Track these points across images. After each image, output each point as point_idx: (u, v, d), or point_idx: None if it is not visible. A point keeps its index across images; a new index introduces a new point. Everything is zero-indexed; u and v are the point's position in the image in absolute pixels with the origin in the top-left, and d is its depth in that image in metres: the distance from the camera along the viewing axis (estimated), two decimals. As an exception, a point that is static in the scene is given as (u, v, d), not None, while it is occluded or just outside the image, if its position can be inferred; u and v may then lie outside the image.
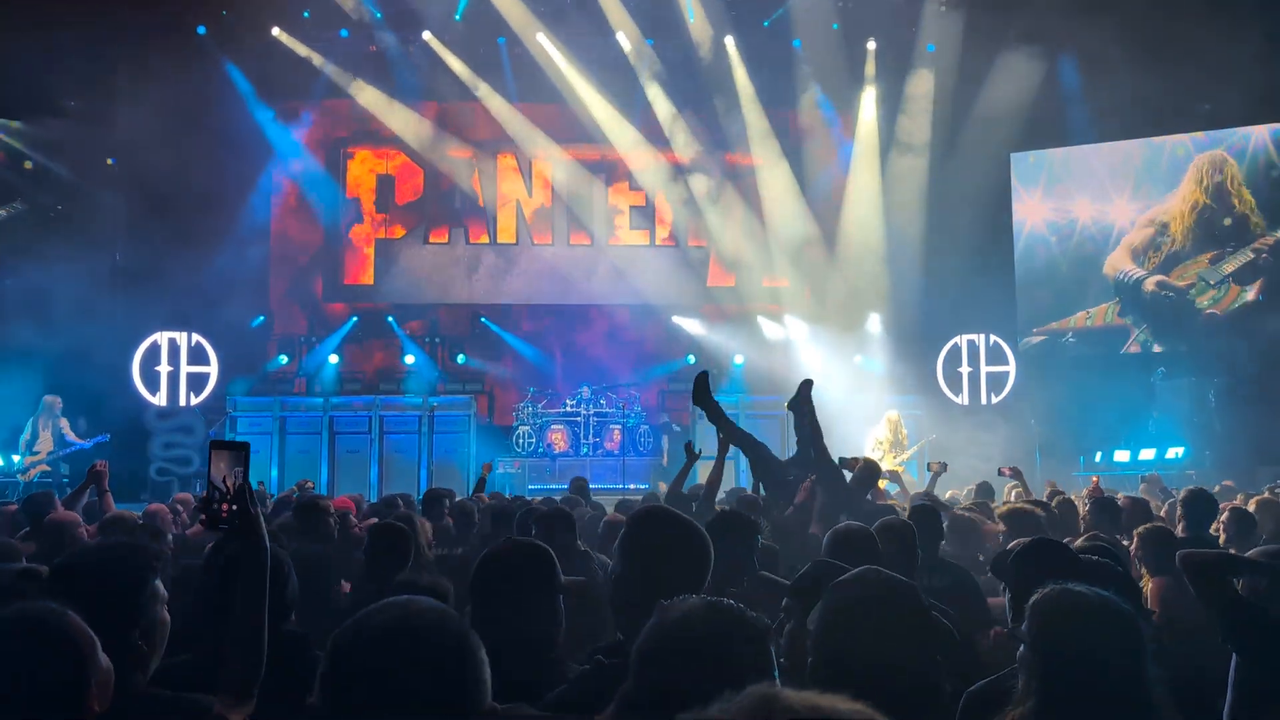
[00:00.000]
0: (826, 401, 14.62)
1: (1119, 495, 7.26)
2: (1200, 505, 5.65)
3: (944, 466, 9.06)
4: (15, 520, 6.42)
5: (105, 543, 2.97)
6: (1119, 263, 15.88)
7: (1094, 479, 8.12)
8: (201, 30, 15.41)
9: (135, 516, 5.58)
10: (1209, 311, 15.36)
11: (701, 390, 6.70)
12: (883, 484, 9.91)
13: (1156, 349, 15.60)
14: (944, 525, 5.45)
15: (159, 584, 2.41)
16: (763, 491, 6.79)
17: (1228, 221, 15.40)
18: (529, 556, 2.70)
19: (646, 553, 2.42)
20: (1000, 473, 8.94)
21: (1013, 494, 8.34)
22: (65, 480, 12.17)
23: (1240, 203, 15.33)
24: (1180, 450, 13.54)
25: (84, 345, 13.74)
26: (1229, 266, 15.33)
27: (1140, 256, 15.79)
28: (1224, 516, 5.75)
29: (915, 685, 2.11)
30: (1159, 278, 15.63)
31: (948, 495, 9.05)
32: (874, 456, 12.51)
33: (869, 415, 13.69)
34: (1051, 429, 14.50)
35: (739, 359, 16.28)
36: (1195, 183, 15.52)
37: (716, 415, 6.69)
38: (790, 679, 1.93)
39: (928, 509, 5.32)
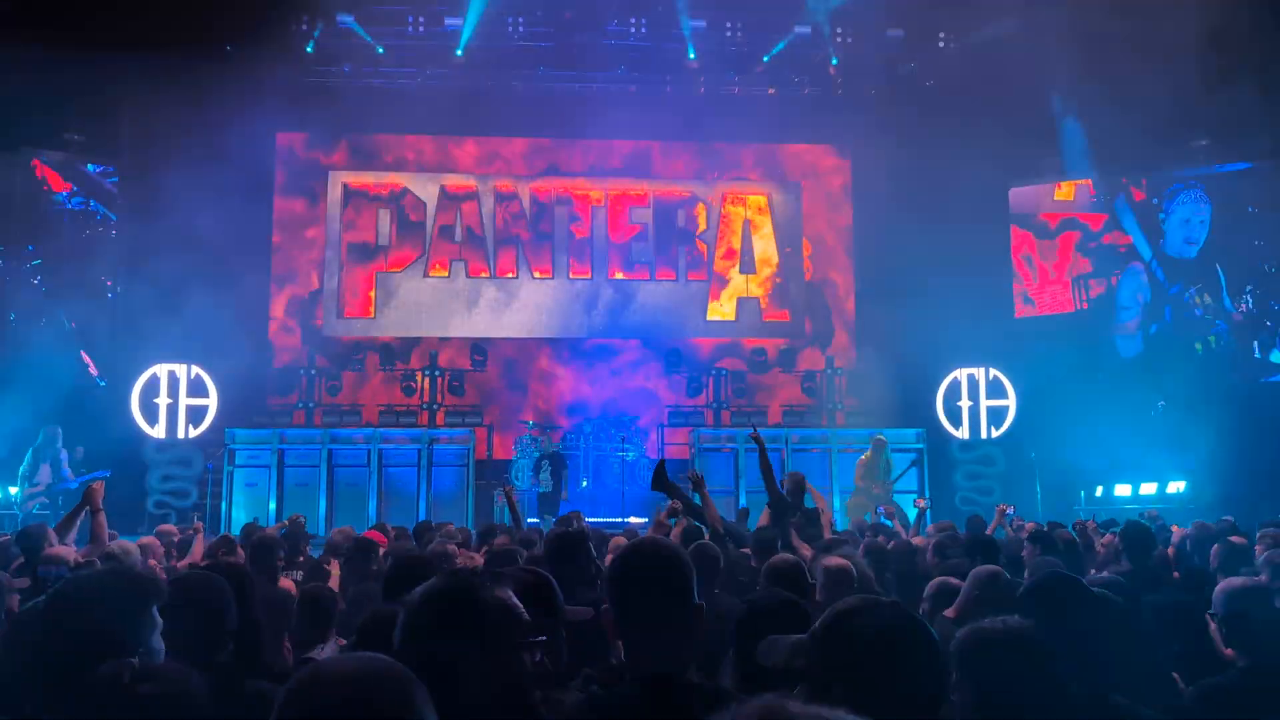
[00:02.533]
0: (828, 435, 14.73)
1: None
2: (1138, 538, 5.70)
3: (928, 503, 9.13)
4: (9, 553, 6.37)
5: (105, 569, 2.95)
6: None
7: (1090, 523, 8.12)
8: (205, 64, 15.50)
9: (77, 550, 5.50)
10: None
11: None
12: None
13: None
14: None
15: (156, 612, 2.39)
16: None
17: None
18: (532, 585, 2.66)
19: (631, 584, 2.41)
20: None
21: (1024, 528, 8.37)
22: (64, 513, 12.10)
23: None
24: (1182, 484, 13.51)
25: (84, 377, 13.76)
26: None
27: None
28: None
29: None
30: None
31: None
32: (861, 484, 12.57)
33: (867, 448, 13.67)
34: (1052, 463, 14.46)
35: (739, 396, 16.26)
36: None
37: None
38: None
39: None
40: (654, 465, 7.44)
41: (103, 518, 6.15)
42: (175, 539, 7.68)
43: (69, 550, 5.64)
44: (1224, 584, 3.70)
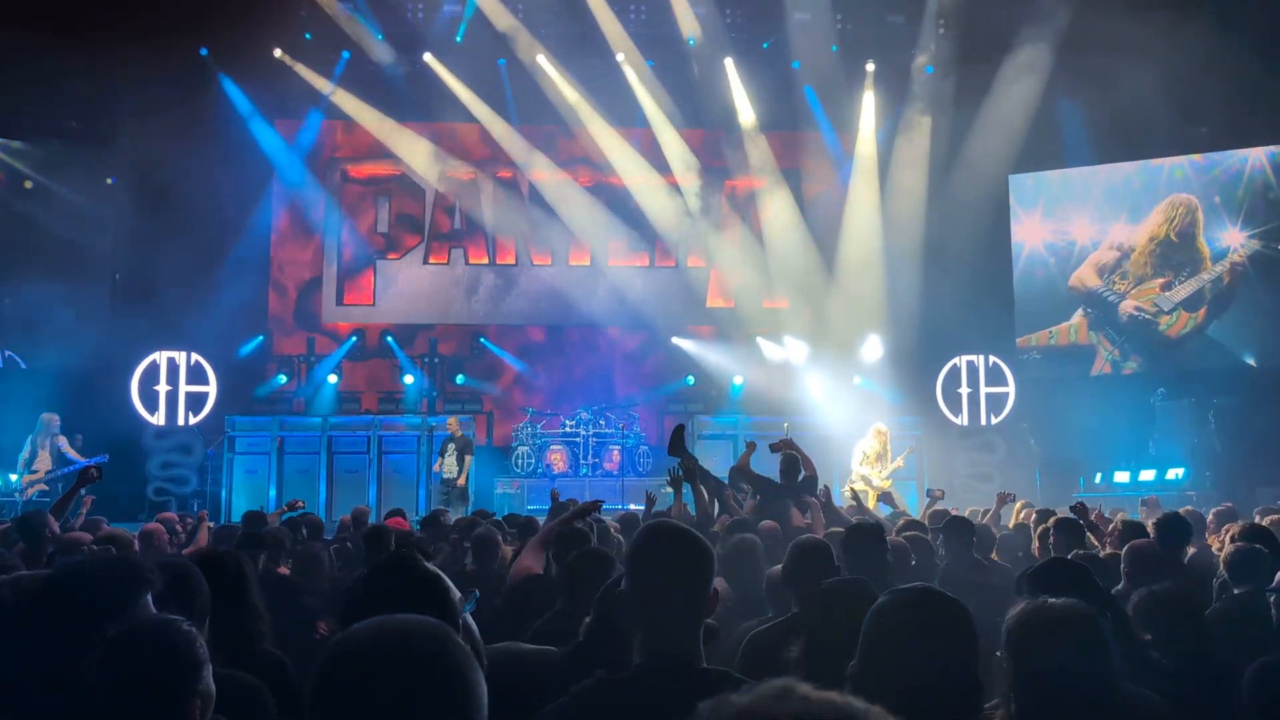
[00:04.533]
0: (826, 422, 14.76)
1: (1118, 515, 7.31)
2: (1172, 528, 5.67)
3: (942, 494, 9.16)
4: (8, 538, 6.39)
5: (100, 556, 2.96)
6: (1086, 278, 16.09)
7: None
8: (204, 51, 15.51)
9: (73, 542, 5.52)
10: (1166, 334, 15.66)
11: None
12: (874, 504, 9.96)
13: (1126, 370, 15.76)
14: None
15: (150, 599, 2.39)
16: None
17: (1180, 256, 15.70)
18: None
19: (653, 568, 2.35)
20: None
21: (1023, 513, 8.42)
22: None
23: (1199, 244, 15.62)
24: (1180, 471, 13.54)
25: (83, 364, 13.75)
26: (1179, 294, 15.60)
27: (1106, 276, 15.99)
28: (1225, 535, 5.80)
29: (953, 707, 2.10)
30: (1134, 301, 15.81)
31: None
32: (862, 471, 12.60)
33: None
34: (1051, 450, 14.48)
35: (738, 380, 16.30)
36: (1164, 218, 15.74)
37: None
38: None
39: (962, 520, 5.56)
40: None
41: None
42: (177, 527, 7.70)
43: (84, 536, 5.68)
44: None
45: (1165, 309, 15.66)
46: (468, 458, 13.58)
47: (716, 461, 14.52)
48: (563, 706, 2.27)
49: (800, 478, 7.75)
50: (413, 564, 2.20)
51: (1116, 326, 15.95)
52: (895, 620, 2.22)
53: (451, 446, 13.60)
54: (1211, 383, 14.58)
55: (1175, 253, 15.70)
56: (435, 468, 13.63)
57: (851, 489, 9.53)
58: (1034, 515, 8.25)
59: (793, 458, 7.90)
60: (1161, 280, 15.75)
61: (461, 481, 13.42)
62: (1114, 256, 16.01)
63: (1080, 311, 16.17)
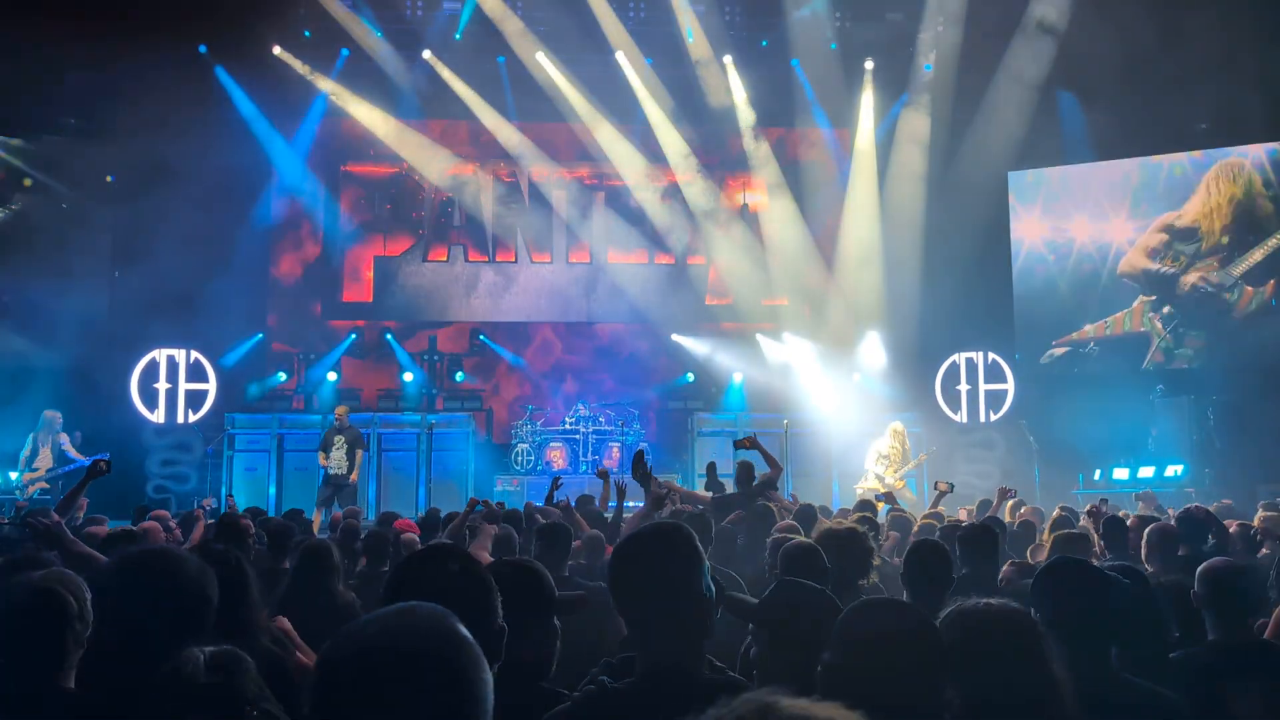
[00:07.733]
0: (826, 419, 14.75)
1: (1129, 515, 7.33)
2: (1193, 524, 5.68)
3: (951, 487, 9.09)
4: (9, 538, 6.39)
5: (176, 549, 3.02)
6: (1137, 261, 15.83)
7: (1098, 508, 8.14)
8: (203, 49, 15.50)
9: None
10: (1233, 312, 15.35)
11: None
12: (880, 504, 9.95)
13: (1180, 362, 15.56)
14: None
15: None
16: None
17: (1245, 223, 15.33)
18: (521, 575, 2.62)
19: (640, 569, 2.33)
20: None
21: (1021, 510, 8.41)
22: (62, 497, 12.10)
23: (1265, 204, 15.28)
24: (1179, 468, 13.51)
25: (83, 362, 13.74)
26: (1238, 269, 15.33)
27: (1158, 258, 15.74)
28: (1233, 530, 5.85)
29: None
30: (1198, 273, 15.52)
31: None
32: (878, 470, 12.59)
33: (867, 432, 13.69)
34: (1050, 447, 14.47)
35: (738, 377, 16.28)
36: (1230, 181, 15.38)
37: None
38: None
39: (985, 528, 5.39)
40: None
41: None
42: (172, 524, 7.69)
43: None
44: None
45: (1227, 285, 15.41)
46: (359, 452, 12.90)
47: (715, 458, 14.59)
48: (562, 713, 2.26)
49: (756, 482, 7.76)
50: (450, 553, 2.19)
51: (1176, 304, 15.61)
52: (862, 633, 2.23)
53: (340, 439, 12.80)
54: (1210, 380, 14.56)
55: (1245, 218, 15.28)
56: (322, 462, 12.83)
57: (862, 488, 9.50)
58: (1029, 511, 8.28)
59: (747, 465, 7.95)
60: (1219, 257, 15.41)
61: (354, 478, 12.80)
62: (1162, 240, 15.76)
63: (1140, 298, 15.86)
